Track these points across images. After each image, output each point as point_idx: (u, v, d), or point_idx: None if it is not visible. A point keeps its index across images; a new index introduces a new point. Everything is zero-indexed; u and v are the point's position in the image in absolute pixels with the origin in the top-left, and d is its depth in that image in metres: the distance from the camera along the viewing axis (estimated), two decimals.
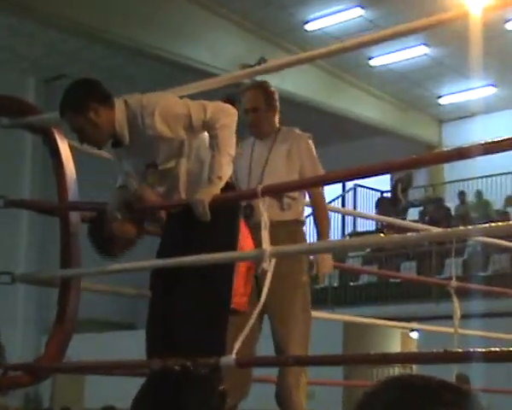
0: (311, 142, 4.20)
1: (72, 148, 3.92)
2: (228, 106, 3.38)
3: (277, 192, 3.81)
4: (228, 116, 3.32)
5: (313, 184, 3.76)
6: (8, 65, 14.82)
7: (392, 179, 17.18)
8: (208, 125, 3.31)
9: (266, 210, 2.86)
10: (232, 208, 3.48)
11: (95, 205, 3.67)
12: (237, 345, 2.64)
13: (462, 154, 2.76)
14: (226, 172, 3.25)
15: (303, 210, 4.19)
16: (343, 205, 17.61)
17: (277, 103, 4.24)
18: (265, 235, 2.80)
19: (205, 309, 3.32)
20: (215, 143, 3.28)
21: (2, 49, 14.34)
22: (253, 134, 4.22)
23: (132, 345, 5.41)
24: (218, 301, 3.38)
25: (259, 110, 4.15)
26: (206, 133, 3.44)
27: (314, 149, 4.18)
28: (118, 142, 3.37)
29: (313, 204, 4.18)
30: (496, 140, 2.52)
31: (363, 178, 3.14)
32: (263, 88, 4.21)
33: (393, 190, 16.47)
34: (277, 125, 4.25)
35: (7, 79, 13.97)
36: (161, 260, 3.39)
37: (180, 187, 3.42)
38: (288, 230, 3.99)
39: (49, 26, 12.06)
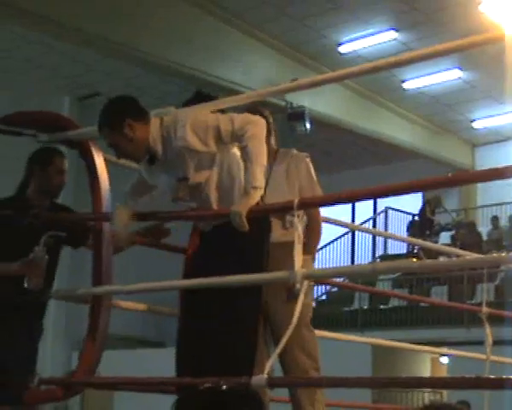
0: (308, 160, 4.20)
1: (107, 161, 3.99)
2: (256, 117, 3.42)
3: (312, 206, 3.79)
4: (256, 126, 3.34)
5: (346, 200, 3.73)
6: (44, 82, 15.02)
7: (423, 202, 17.08)
8: (237, 137, 3.34)
9: (300, 224, 2.84)
10: (262, 225, 3.48)
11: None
12: (269, 365, 2.64)
13: (497, 174, 2.74)
14: (261, 181, 3.25)
15: (304, 229, 4.15)
16: (374, 227, 17.55)
17: (271, 126, 4.19)
18: (299, 252, 2.78)
19: (236, 328, 3.34)
20: (246, 154, 3.31)
21: (39, 67, 14.53)
22: None
23: (160, 363, 5.42)
24: (249, 320, 3.39)
25: None
26: (237, 151, 3.47)
27: (312, 169, 4.18)
28: (153, 158, 3.43)
29: (309, 217, 4.15)
30: None
31: (395, 195, 3.12)
32: (251, 111, 4.17)
33: (422, 211, 16.35)
34: (274, 146, 4.22)
35: (42, 96, 14.16)
36: (192, 280, 3.40)
37: (212, 202, 3.45)
38: (291, 251, 3.95)
39: (85, 45, 12.21)
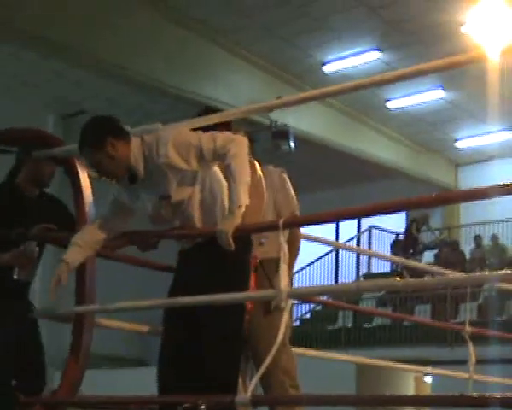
0: (284, 175, 4.23)
1: (91, 178, 4.00)
2: (237, 136, 3.43)
3: (298, 225, 3.80)
4: (238, 145, 3.35)
5: (332, 218, 3.73)
6: (28, 100, 14.98)
7: (407, 221, 17.14)
8: (219, 156, 3.36)
9: (285, 243, 2.86)
10: (244, 243, 3.47)
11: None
12: (253, 383, 2.63)
13: (479, 194, 2.77)
14: (245, 200, 3.26)
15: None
16: (358, 246, 17.58)
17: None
18: (284, 270, 2.79)
19: (220, 347, 3.33)
20: (229, 172, 3.32)
21: (23, 85, 14.50)
22: None
23: (143, 382, 5.39)
24: (233, 339, 3.39)
25: None
26: (218, 169, 3.48)
27: (288, 183, 4.20)
28: (133, 177, 3.43)
29: (290, 233, 4.14)
30: None
31: (380, 214, 3.13)
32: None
33: (408, 230, 16.41)
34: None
35: (26, 113, 14.12)
36: (176, 299, 3.39)
37: (195, 220, 3.45)
38: (270, 269, 3.93)
39: (70, 63, 12.21)
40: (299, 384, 4.06)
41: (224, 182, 3.49)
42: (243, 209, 3.24)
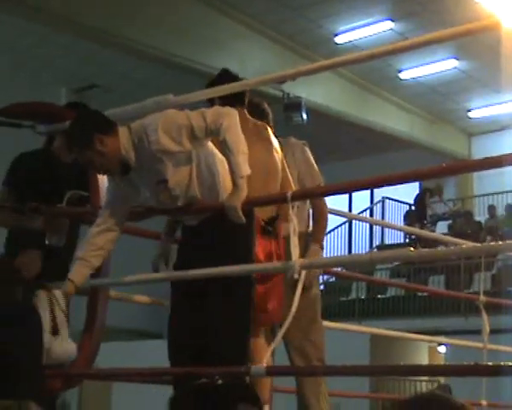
0: (306, 149, 4.21)
1: None
2: (226, 108, 3.41)
3: (306, 198, 3.79)
4: (229, 117, 3.34)
5: (341, 191, 3.73)
6: (41, 74, 14.98)
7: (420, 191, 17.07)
8: (212, 131, 3.34)
9: (296, 216, 2.86)
10: (248, 216, 3.46)
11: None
12: (268, 355, 2.65)
13: (490, 163, 2.75)
14: (246, 170, 3.27)
15: (309, 219, 4.16)
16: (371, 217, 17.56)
17: (270, 118, 4.17)
18: (295, 244, 2.79)
19: (231, 321, 3.35)
20: (226, 146, 3.31)
21: (35, 59, 14.50)
22: None
23: (159, 354, 5.44)
24: (243, 312, 3.40)
25: None
26: (210, 143, 3.46)
27: (310, 156, 4.19)
28: (126, 167, 3.40)
29: (313, 207, 4.15)
30: None
31: (391, 185, 3.12)
32: (250, 104, 4.07)
33: (420, 199, 16.32)
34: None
35: (39, 87, 14.12)
36: (187, 272, 3.39)
37: (197, 197, 3.44)
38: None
39: (82, 36, 12.19)
40: (324, 358, 4.08)
41: (218, 153, 3.47)
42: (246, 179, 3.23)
